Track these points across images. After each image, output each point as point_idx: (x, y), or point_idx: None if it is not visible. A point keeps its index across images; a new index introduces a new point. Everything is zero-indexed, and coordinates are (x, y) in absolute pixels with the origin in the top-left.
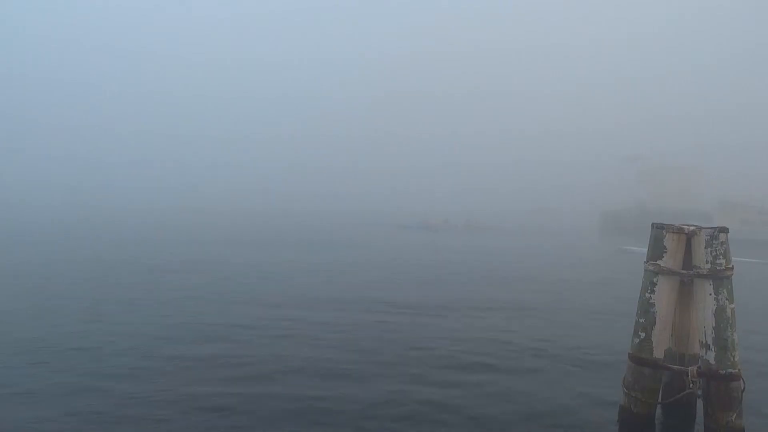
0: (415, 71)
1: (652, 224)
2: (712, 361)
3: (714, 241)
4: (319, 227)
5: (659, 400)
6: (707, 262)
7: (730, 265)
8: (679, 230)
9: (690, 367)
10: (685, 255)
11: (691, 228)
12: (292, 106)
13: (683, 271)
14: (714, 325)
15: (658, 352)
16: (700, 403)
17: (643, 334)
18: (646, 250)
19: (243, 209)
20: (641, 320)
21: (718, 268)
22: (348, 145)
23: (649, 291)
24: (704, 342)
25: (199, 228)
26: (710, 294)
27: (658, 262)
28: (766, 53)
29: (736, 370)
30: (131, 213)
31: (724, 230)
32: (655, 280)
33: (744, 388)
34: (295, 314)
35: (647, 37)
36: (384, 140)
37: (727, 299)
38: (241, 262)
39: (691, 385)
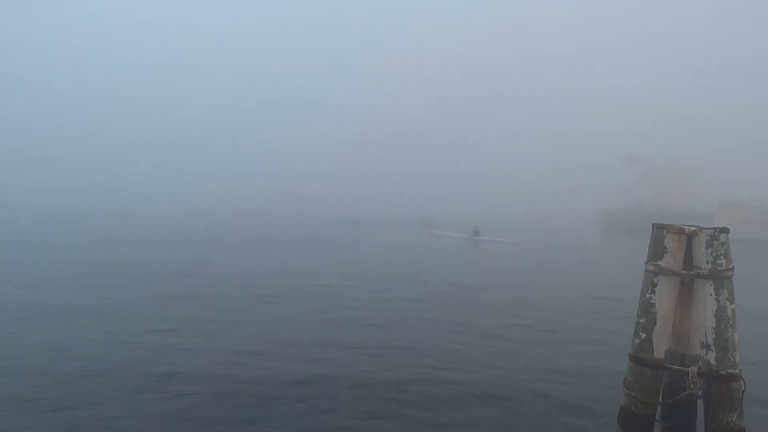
0: (408, 77)
1: (653, 224)
2: (713, 362)
3: (715, 242)
4: (261, 225)
5: (660, 400)
6: (708, 262)
7: (731, 266)
8: (679, 231)
9: (690, 368)
10: (686, 255)
11: (692, 228)
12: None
13: (684, 272)
14: (714, 325)
15: (659, 353)
16: (700, 404)
17: (643, 335)
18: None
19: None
20: (642, 320)
21: (719, 268)
22: (335, 148)
23: (649, 291)
24: (705, 342)
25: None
26: (711, 294)
27: (658, 262)
28: (766, 55)
29: (737, 371)
30: (134, 214)
31: (725, 231)
32: (655, 280)
33: (745, 389)
34: None
35: (648, 39)
36: (370, 143)
37: (727, 299)
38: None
39: (691, 385)
